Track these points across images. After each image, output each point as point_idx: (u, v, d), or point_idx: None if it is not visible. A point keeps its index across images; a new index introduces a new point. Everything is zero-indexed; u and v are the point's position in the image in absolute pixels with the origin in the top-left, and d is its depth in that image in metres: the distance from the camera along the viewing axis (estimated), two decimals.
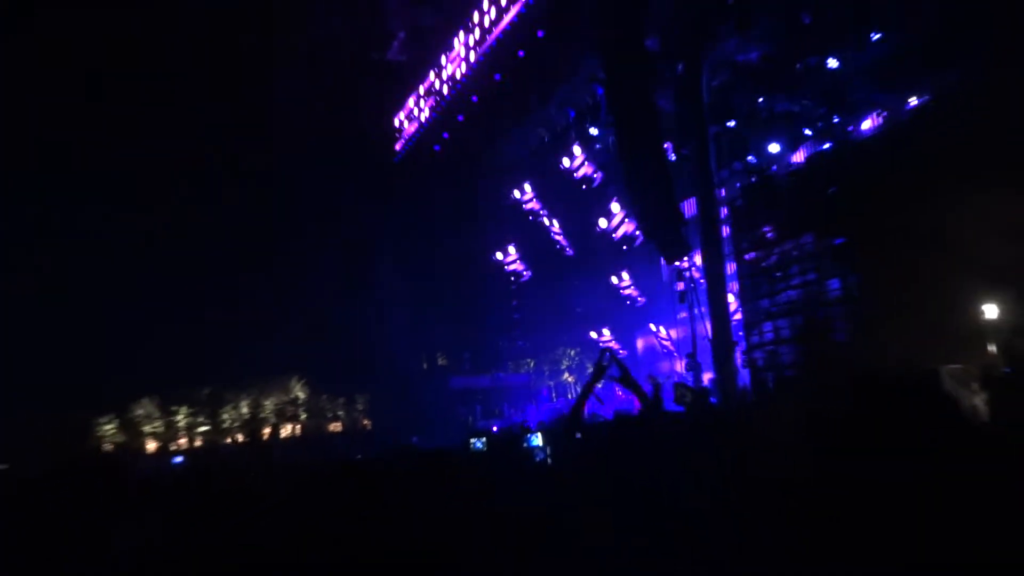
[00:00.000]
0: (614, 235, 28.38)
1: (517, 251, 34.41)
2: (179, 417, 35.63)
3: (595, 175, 28.42)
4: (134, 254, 33.81)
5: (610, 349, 6.04)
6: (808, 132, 21.20)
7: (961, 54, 16.08)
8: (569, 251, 32.07)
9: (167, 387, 35.22)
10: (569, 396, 31.68)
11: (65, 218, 33.27)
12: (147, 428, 34.87)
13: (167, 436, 35.16)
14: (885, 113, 19.23)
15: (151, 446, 34.49)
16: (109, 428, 34.31)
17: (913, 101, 18.11)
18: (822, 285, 17.47)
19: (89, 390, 32.26)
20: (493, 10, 25.63)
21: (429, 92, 30.53)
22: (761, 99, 22.23)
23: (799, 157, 21.51)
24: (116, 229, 33.86)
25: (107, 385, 33.08)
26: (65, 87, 32.47)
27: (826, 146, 20.06)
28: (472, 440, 11.80)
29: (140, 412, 34.90)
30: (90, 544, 3.53)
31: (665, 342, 27.92)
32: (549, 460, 7.35)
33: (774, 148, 22.33)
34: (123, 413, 34.70)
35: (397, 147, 33.12)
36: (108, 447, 32.79)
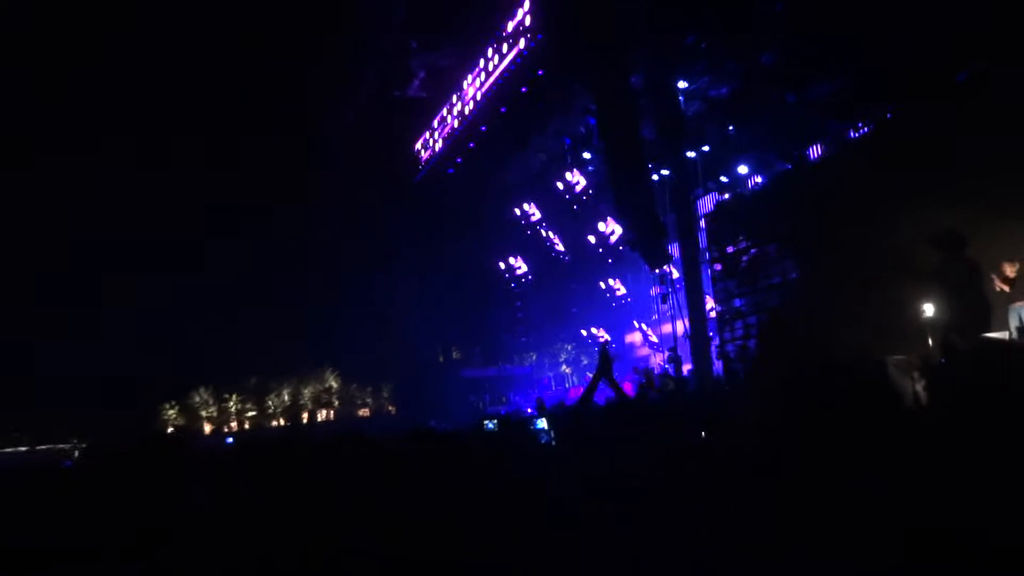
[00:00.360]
0: (604, 245, 28.50)
1: (520, 259, 34.56)
2: (230, 403, 35.75)
3: (588, 194, 28.52)
4: (191, 263, 34.02)
5: (607, 344, 6.16)
6: (771, 156, 21.30)
7: (891, 93, 16.30)
8: (566, 259, 32.18)
9: (220, 378, 35.40)
10: (567, 385, 31.74)
11: (130, 228, 33.38)
12: (203, 413, 35.02)
13: (220, 420, 35.31)
14: (837, 140, 19.34)
15: (207, 428, 34.66)
16: (171, 413, 34.47)
17: (859, 128, 18.25)
18: (784, 287, 17.57)
19: (154, 380, 32.49)
20: (499, 54, 25.81)
21: (444, 123, 30.68)
22: (731, 127, 22.36)
23: (763, 177, 21.62)
24: (173, 239, 34.07)
25: (169, 376, 33.32)
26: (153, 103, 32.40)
27: (786, 168, 20.16)
28: (485, 422, 11.91)
29: (197, 399, 35.05)
30: (168, 503, 3.63)
31: (650, 338, 28.00)
32: (552, 441, 7.45)
33: (743, 169, 22.45)
34: (183, 400, 34.88)
35: (417, 170, 33.26)
36: (171, 429, 32.92)
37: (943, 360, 8.70)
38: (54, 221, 32.52)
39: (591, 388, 5.98)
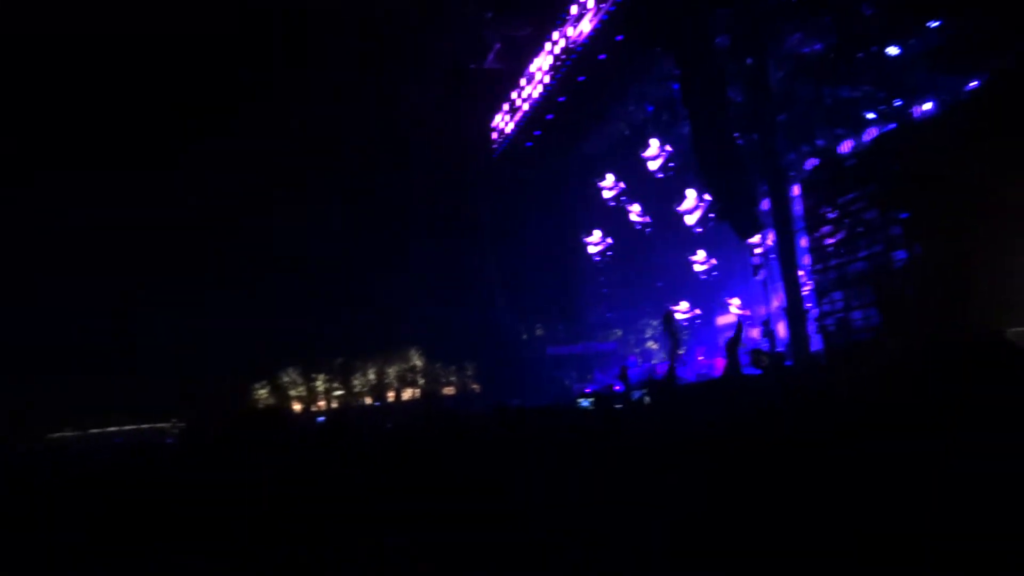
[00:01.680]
0: (690, 215, 27.87)
1: (603, 233, 34.15)
2: (318, 383, 37.01)
3: (672, 162, 27.90)
4: (279, 247, 35.19)
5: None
6: (870, 116, 20.30)
7: (1016, 39, 15.13)
8: (650, 232, 31.65)
9: (307, 358, 36.66)
10: (653, 362, 31.41)
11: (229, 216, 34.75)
12: (293, 392, 36.40)
13: (308, 399, 36.60)
14: (947, 94, 18.25)
15: (296, 407, 36.02)
16: (262, 393, 35.97)
17: (972, 83, 17.14)
18: (888, 256, 16.79)
19: (245, 360, 33.91)
20: (576, 21, 25.40)
21: (521, 95, 30.54)
22: (825, 87, 21.40)
23: (862, 139, 20.63)
24: (258, 223, 35.28)
25: (260, 356, 34.71)
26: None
27: (889, 128, 19.18)
28: (579, 400, 11.97)
29: (287, 379, 36.43)
30: (269, 471, 3.76)
31: (741, 312, 27.31)
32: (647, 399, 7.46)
33: (838, 132, 21.48)
34: (273, 380, 36.32)
35: (496, 145, 33.29)
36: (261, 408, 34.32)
37: None
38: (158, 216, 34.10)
39: (733, 360, 5.91)
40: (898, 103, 19.00)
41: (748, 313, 26.64)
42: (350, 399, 36.39)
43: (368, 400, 36.27)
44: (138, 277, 33.81)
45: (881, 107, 19.80)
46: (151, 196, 33.27)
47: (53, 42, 31.37)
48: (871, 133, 20.07)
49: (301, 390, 36.62)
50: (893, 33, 18.50)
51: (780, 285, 19.47)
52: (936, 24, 17.52)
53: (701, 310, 29.72)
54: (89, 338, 31.91)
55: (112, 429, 33.01)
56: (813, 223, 19.47)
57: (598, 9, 23.83)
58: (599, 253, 34.54)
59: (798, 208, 20.97)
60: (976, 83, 16.93)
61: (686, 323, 29.08)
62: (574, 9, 25.51)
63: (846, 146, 21.12)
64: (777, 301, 19.85)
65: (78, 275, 32.39)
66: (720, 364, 21.52)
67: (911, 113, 18.75)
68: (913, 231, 15.99)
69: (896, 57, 18.90)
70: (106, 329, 32.45)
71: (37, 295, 31.95)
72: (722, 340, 24.50)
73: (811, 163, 22.12)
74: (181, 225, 34.07)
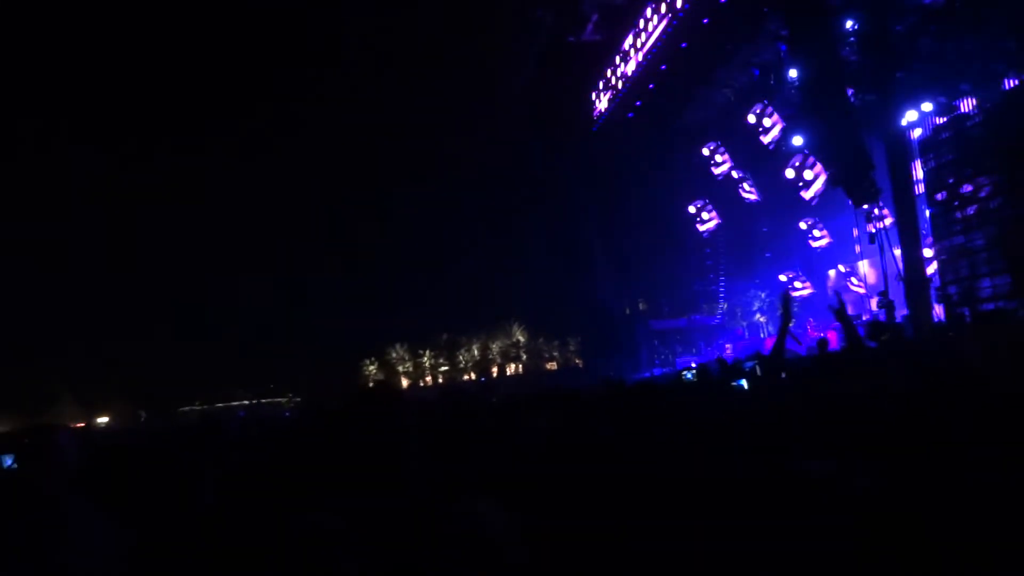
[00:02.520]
0: (800, 183, 26.80)
1: (708, 203, 33.31)
2: (424, 359, 38.04)
3: (782, 128, 26.84)
4: (387, 231, 36.32)
5: (787, 291, 5.83)
6: (998, 70, 18.91)
7: None
8: (757, 201, 30.69)
9: (413, 334, 37.71)
10: (762, 335, 30.62)
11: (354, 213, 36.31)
12: (400, 368, 37.55)
13: (415, 375, 37.67)
14: None
15: (404, 383, 37.18)
16: (371, 368, 37.29)
17: None
18: (1018, 221, 15.69)
19: (355, 337, 35.26)
20: None
21: (621, 66, 30.07)
22: (950, 40, 20.05)
23: (989, 96, 19.26)
24: (375, 216, 36.58)
25: (369, 333, 36.00)
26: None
27: (1017, 83, 17.84)
28: (684, 373, 11.85)
29: (394, 355, 37.61)
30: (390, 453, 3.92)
31: (856, 285, 26.21)
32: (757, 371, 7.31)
33: (964, 88, 20.13)
34: (381, 356, 37.59)
35: (596, 119, 32.98)
36: (370, 383, 35.71)
37: None
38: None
39: (780, 343, 5.74)
40: None
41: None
42: (455, 374, 37.24)
43: (472, 375, 37.02)
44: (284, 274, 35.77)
45: (1012, 59, 18.44)
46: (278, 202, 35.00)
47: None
48: (999, 88, 18.73)
49: (408, 366, 37.73)
50: None
51: (898, 254, 18.53)
52: None
53: (812, 280, 28.72)
54: (216, 323, 33.99)
55: (235, 404, 35.00)
56: (935, 188, 18.39)
57: None
58: (704, 224, 33.78)
59: (918, 172, 19.86)
60: None
61: (797, 298, 28.18)
62: None
63: (971, 104, 19.79)
64: (895, 271, 18.90)
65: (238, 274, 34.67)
66: (832, 337, 20.78)
67: None
68: None
69: None
70: (232, 317, 34.44)
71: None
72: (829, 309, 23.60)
73: (933, 123, 20.85)
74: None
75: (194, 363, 33.48)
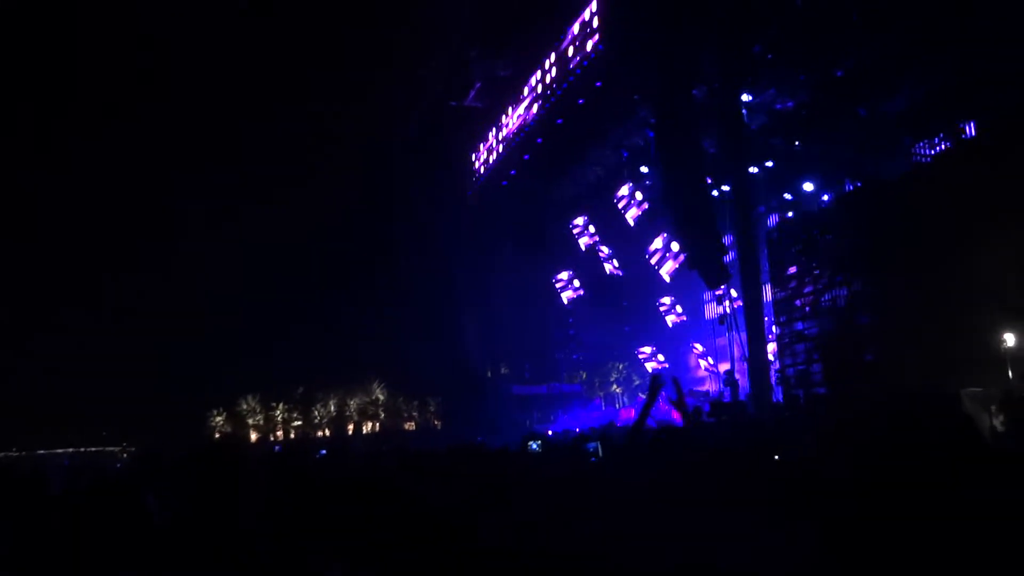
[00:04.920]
0: (661, 263, 28.20)
1: (574, 275, 34.38)
2: (277, 412, 36.41)
3: (645, 209, 28.26)
4: (242, 271, 34.87)
5: (663, 374, 6.02)
6: (839, 173, 20.83)
7: (980, 107, 15.70)
8: (620, 276, 31.92)
9: (268, 386, 36.11)
10: (617, 406, 31.43)
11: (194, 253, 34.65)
12: (250, 421, 35.75)
13: (266, 428, 35.96)
14: (912, 157, 18.83)
15: (253, 436, 35.33)
16: (219, 420, 35.27)
17: (938, 147, 17.73)
18: (851, 311, 17.09)
19: (204, 386, 33.31)
20: (557, 65, 25.83)
21: (500, 134, 30.86)
22: (797, 143, 21.95)
23: (831, 195, 21.15)
24: (223, 248, 35.07)
25: (217, 383, 34.11)
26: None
27: (856, 186, 19.68)
28: (529, 442, 11.76)
29: (245, 407, 35.79)
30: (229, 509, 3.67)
31: (705, 360, 27.56)
32: (599, 455, 7.41)
33: (808, 187, 22.00)
34: (231, 407, 35.66)
35: (472, 182, 33.51)
36: (217, 436, 33.65)
37: None
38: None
39: (639, 422, 5.89)
40: (866, 162, 19.55)
41: (661, 367, 27.04)
42: (309, 430, 35.84)
43: (327, 432, 35.74)
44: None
45: (850, 165, 20.34)
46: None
47: None
48: (841, 189, 20.58)
49: (259, 419, 35.98)
50: (863, 95, 19.10)
51: (744, 335, 19.67)
52: (904, 89, 18.13)
53: (666, 355, 29.94)
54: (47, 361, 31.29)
55: (59, 451, 32.05)
56: (778, 277, 19.80)
57: (579, 56, 24.29)
58: (569, 295, 34.72)
59: (765, 261, 21.31)
60: (941, 146, 17.53)
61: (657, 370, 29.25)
62: (556, 55, 25.97)
63: (814, 202, 21.62)
64: (740, 351, 20.04)
65: None
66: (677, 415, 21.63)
67: (878, 173, 19.28)
68: (875, 288, 16.32)
69: (866, 117, 19.50)
70: (70, 352, 31.80)
71: None
72: (690, 387, 24.71)
73: (780, 217, 22.58)
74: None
75: (16, 402, 30.48)
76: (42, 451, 31.70)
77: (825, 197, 21.48)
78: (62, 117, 32.74)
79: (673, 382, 5.66)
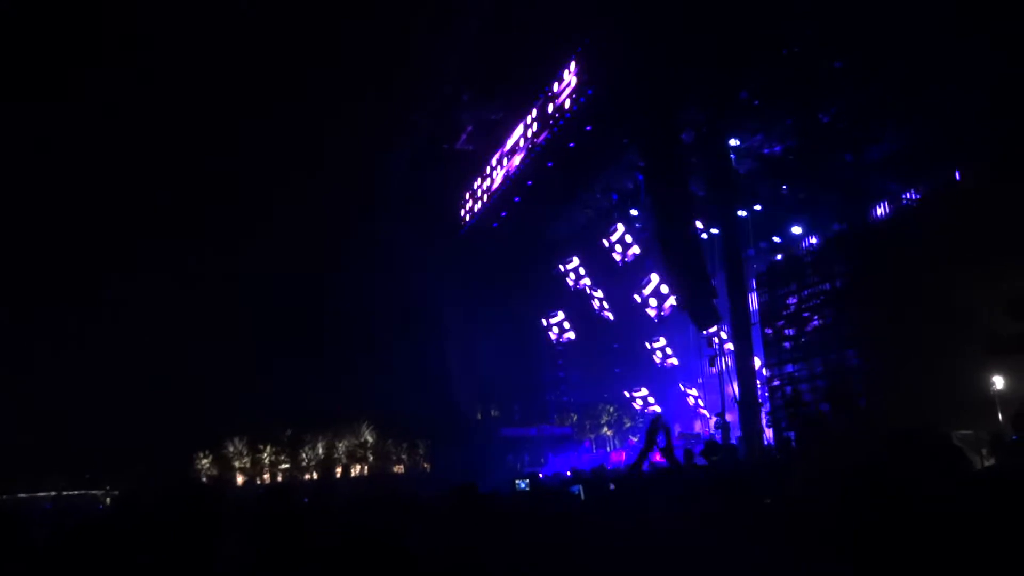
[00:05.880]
0: (650, 304, 28.20)
1: (564, 317, 34.35)
2: (264, 455, 35.92)
3: (634, 251, 28.37)
4: (228, 311, 34.71)
5: (661, 417, 5.99)
6: (826, 216, 21.06)
7: (965, 151, 15.97)
8: (610, 318, 31.91)
9: (254, 428, 35.67)
10: (608, 448, 31.21)
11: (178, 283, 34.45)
12: (237, 463, 35.25)
13: (253, 471, 35.44)
14: (899, 200, 19.07)
15: (239, 479, 34.79)
16: (205, 462, 34.77)
17: (922, 189, 17.99)
18: (841, 352, 17.12)
19: (191, 427, 32.86)
20: (547, 109, 26.18)
21: (490, 176, 31.12)
22: (784, 186, 22.23)
23: (818, 238, 21.36)
24: (210, 286, 34.94)
25: (204, 424, 33.67)
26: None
27: (843, 228, 19.88)
28: (517, 481, 11.62)
29: (231, 449, 35.32)
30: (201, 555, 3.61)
31: (696, 401, 27.45)
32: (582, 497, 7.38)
33: (796, 230, 22.23)
34: (217, 449, 35.18)
35: (462, 224, 33.69)
36: (204, 479, 33.17)
37: (1016, 437, 8.32)
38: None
39: (639, 459, 5.86)
40: (853, 205, 19.77)
41: (659, 411, 26.91)
42: (297, 473, 35.36)
43: (315, 475, 35.25)
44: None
45: (836, 209, 20.57)
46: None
47: None
48: (829, 231, 20.77)
49: (246, 461, 35.49)
50: (849, 140, 19.40)
51: (735, 376, 19.66)
52: (888, 136, 18.44)
53: (656, 397, 29.83)
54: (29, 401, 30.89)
55: (41, 494, 31.47)
56: (768, 318, 19.85)
57: (569, 100, 24.63)
58: (559, 337, 34.66)
59: (755, 303, 21.39)
60: (925, 190, 17.77)
61: (642, 415, 29.13)
62: (546, 99, 26.33)
63: (803, 244, 21.81)
64: (732, 393, 19.99)
65: None
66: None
67: (866, 216, 19.50)
68: (863, 332, 16.37)
69: (852, 162, 19.78)
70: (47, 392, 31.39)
71: None
72: (680, 430, 24.57)
73: (769, 259, 22.72)
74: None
75: None
76: (23, 494, 31.11)
77: (813, 240, 21.67)
78: None
79: (663, 430, 5.64)
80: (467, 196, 33.24)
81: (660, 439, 5.47)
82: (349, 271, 36.46)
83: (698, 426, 26.58)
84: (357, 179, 35.48)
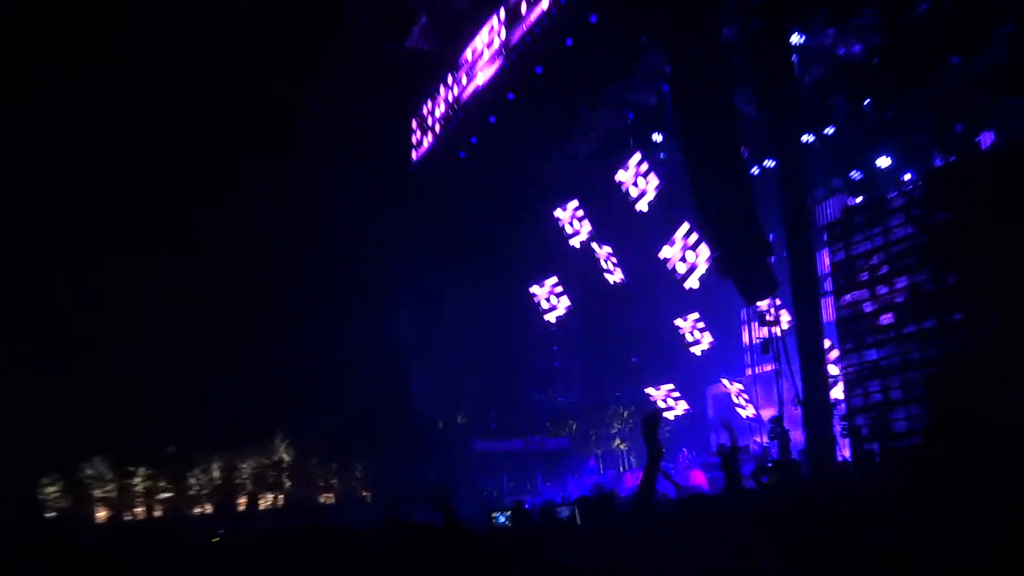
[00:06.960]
0: (679, 267, 28.27)
1: (560, 285, 34.28)
2: (136, 480, 35.91)
3: (658, 194, 28.37)
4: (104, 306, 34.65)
5: (656, 413, 6.07)
6: (923, 143, 21.17)
7: None
8: (624, 287, 31.94)
9: (123, 445, 35.56)
10: (621, 468, 31.50)
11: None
12: (97, 492, 35.20)
13: (121, 502, 35.41)
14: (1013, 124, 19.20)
15: (101, 513, 34.76)
16: (52, 490, 34.67)
17: None
18: (943, 333, 17.27)
19: (31, 444, 32.68)
20: None
21: (453, 88, 30.90)
22: (867, 101, 22.25)
23: (913, 173, 21.48)
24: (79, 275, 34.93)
25: (52, 441, 33.49)
26: None
27: (948, 161, 20.00)
28: (494, 514, 11.73)
29: (89, 472, 35.24)
30: None
31: (742, 403, 27.71)
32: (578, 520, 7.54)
33: (883, 162, 22.31)
34: (69, 474, 35.08)
35: (414, 153, 33.48)
36: (50, 513, 33.10)
37: None
38: None
39: (647, 483, 5.93)
40: (959, 129, 19.87)
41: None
42: (182, 504, 35.43)
43: (208, 508, 35.35)
44: None
45: (937, 133, 20.67)
46: None
47: None
48: (927, 164, 20.88)
49: (110, 489, 35.47)
50: (955, 38, 19.42)
51: (796, 367, 19.82)
52: (1008, 30, 18.46)
53: (690, 396, 30.08)
54: None
55: None
56: (844, 286, 19.95)
57: None
58: (553, 311, 34.65)
59: (824, 265, 21.51)
60: None
61: (671, 421, 29.34)
62: None
63: (892, 183, 21.91)
64: (791, 391, 20.16)
65: None
66: (699, 477, 21.89)
67: (974, 144, 19.60)
68: (973, 300, 16.52)
69: (958, 69, 19.83)
70: None
71: None
72: (715, 445, 24.79)
73: (846, 202, 22.84)
74: None
75: None
76: None
77: (907, 176, 21.78)
78: None
79: (727, 429, 5.72)
80: (423, 113, 33.03)
81: (724, 440, 5.57)
82: (254, 228, 36.24)
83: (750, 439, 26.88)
84: (256, 91, 35.15)
